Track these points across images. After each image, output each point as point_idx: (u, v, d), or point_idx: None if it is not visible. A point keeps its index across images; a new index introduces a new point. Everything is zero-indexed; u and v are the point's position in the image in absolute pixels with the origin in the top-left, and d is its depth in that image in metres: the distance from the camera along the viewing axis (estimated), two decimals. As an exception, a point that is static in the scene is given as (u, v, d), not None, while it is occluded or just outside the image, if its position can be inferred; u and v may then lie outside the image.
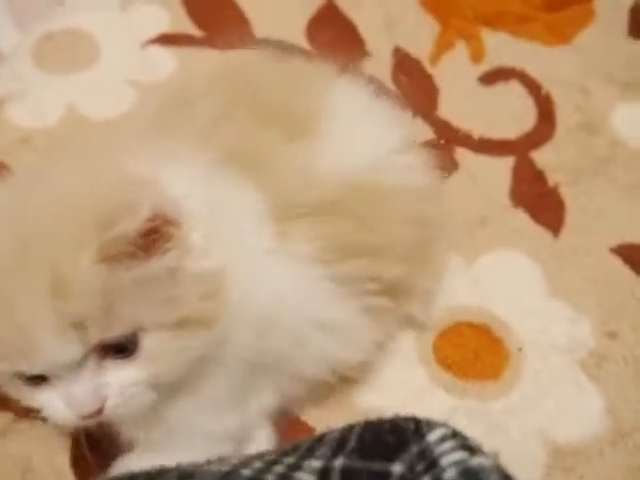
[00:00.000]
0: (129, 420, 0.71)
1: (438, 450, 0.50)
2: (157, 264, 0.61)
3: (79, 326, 0.59)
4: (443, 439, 0.51)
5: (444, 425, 0.53)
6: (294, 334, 0.75)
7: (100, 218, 0.58)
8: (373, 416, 0.82)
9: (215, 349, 0.68)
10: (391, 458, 0.50)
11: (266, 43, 1.25)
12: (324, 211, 0.76)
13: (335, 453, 0.53)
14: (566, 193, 1.10)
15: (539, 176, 1.12)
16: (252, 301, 0.69)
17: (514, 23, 1.32)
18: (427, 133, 1.16)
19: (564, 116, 1.20)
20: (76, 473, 0.82)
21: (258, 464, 0.53)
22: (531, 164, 1.14)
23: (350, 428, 0.56)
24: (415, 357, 0.93)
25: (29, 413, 0.77)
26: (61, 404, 0.64)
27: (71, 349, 0.60)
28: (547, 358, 0.94)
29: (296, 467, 0.52)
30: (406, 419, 0.54)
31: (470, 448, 0.50)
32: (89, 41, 1.24)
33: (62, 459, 0.83)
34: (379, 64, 1.25)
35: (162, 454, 0.73)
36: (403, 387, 0.91)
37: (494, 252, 1.04)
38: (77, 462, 0.83)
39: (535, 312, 0.98)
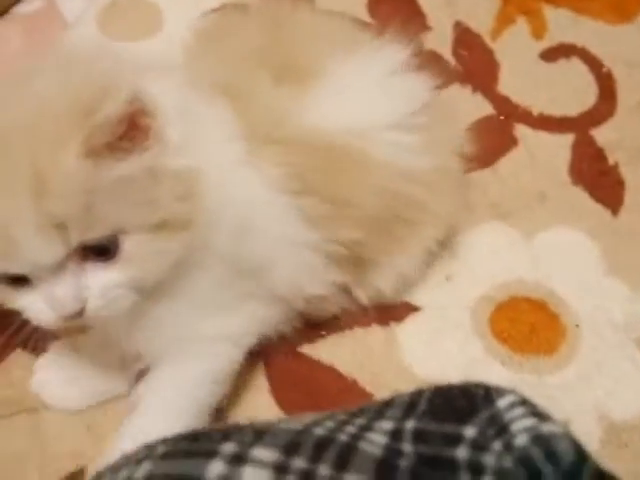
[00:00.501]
0: (118, 325, 0.73)
1: (508, 416, 0.51)
2: (137, 161, 0.62)
3: (60, 226, 0.59)
4: (512, 405, 0.52)
5: (513, 392, 0.53)
6: (265, 245, 0.76)
7: (80, 109, 0.59)
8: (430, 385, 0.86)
9: (194, 252, 0.69)
10: (463, 421, 0.51)
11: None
12: (294, 146, 0.77)
13: (405, 415, 0.54)
14: (626, 172, 1.10)
15: (599, 154, 1.12)
16: (226, 206, 0.71)
17: (577, 0, 1.31)
18: (487, 108, 1.16)
19: (625, 94, 1.19)
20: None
21: (330, 424, 0.54)
22: (591, 142, 1.13)
23: (419, 392, 0.57)
24: (471, 329, 0.94)
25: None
26: (43, 305, 0.65)
27: (52, 250, 0.61)
28: (603, 335, 0.94)
29: (367, 428, 0.53)
30: (476, 385, 0.55)
31: (540, 415, 0.50)
32: (153, 9, 1.26)
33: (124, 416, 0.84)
34: (440, 38, 1.25)
35: (175, 370, 0.77)
36: (459, 358, 0.92)
37: (553, 228, 1.04)
38: None
39: (592, 289, 0.98)
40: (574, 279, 0.99)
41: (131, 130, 0.61)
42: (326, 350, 0.90)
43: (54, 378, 0.86)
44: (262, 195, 0.74)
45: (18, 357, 0.89)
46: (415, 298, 0.96)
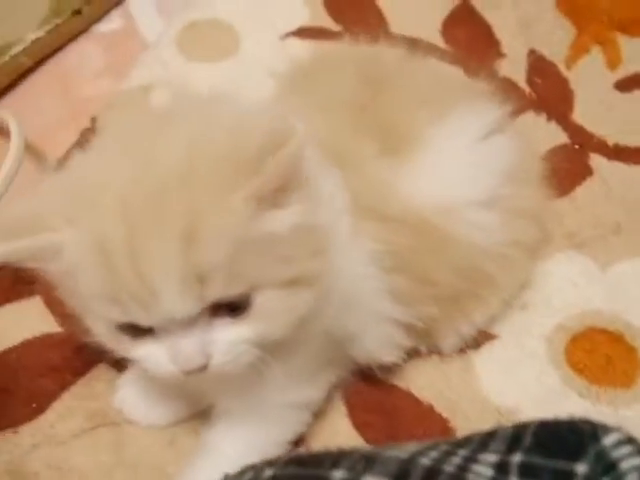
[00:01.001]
0: (224, 386, 0.73)
1: (616, 454, 0.51)
2: (290, 216, 0.61)
3: (202, 280, 0.58)
4: (619, 443, 0.52)
5: (619, 430, 0.54)
6: (359, 318, 0.77)
7: (244, 157, 0.58)
8: (506, 414, 0.86)
9: (312, 314, 0.68)
10: (574, 458, 0.52)
11: (401, 40, 1.26)
12: (391, 223, 0.77)
13: (510, 448, 0.54)
14: (703, 205, 1.09)
15: (675, 186, 1.11)
16: (337, 276, 0.70)
17: (652, 30, 1.31)
18: (561, 137, 1.16)
19: (701, 127, 1.18)
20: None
21: (434, 454, 0.54)
22: (667, 174, 1.13)
23: (524, 426, 0.57)
24: (547, 359, 0.94)
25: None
26: (165, 358, 0.63)
27: (190, 304, 0.59)
28: (681, 369, 0.93)
29: (472, 459, 0.54)
30: (582, 421, 0.55)
31: (648, 454, 0.51)
32: (230, 32, 1.28)
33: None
34: (514, 65, 1.25)
35: (246, 425, 0.78)
36: (535, 388, 0.92)
37: (629, 260, 1.03)
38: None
39: (670, 322, 0.98)
40: (650, 311, 0.98)
41: (290, 183, 0.60)
42: (403, 376, 0.91)
43: (136, 396, 0.87)
44: (361, 270, 0.74)
45: (101, 370, 0.91)
46: (492, 326, 0.95)
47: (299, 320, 0.66)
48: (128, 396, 0.87)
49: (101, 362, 0.91)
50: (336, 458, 0.54)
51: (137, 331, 0.63)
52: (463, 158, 0.84)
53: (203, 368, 0.63)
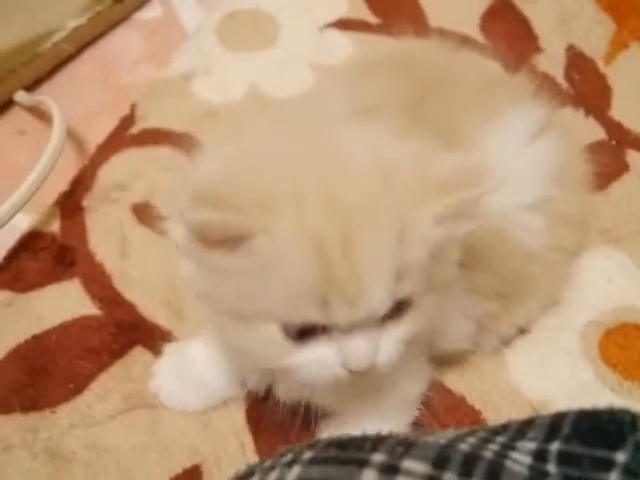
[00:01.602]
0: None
1: (655, 444, 0.52)
2: (464, 228, 0.64)
3: (400, 278, 0.60)
4: (658, 434, 0.53)
5: (657, 421, 0.54)
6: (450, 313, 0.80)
7: (447, 182, 0.62)
8: (537, 407, 0.86)
9: None
10: (613, 447, 0.52)
11: (440, 34, 1.26)
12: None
13: (549, 437, 0.55)
14: None
15: None
16: None
17: (690, 28, 1.30)
18: (599, 133, 1.16)
19: None
20: (251, 429, 0.87)
21: (473, 440, 0.55)
22: None
23: (562, 415, 0.57)
24: (580, 354, 0.94)
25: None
26: (335, 359, 0.63)
27: (388, 300, 0.61)
28: None
29: (510, 447, 0.55)
30: (622, 410, 0.56)
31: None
32: (270, 22, 1.29)
33: (239, 416, 0.88)
34: (552, 60, 1.25)
35: (354, 425, 0.77)
36: (568, 382, 0.92)
37: (665, 255, 1.03)
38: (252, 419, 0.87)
39: None
40: (684, 308, 0.98)
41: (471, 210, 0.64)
42: (436, 367, 0.91)
43: (172, 382, 0.88)
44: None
45: (138, 353, 0.92)
46: (524, 320, 0.96)
47: (435, 321, 0.70)
48: (164, 382, 0.89)
49: (138, 345, 0.92)
50: (375, 442, 0.54)
51: (307, 335, 0.63)
52: (512, 161, 0.85)
53: (371, 368, 0.64)
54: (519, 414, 0.89)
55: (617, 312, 0.97)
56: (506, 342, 0.94)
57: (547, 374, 0.93)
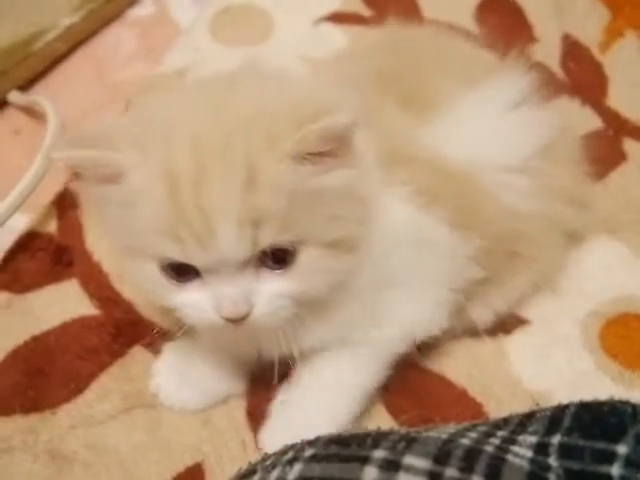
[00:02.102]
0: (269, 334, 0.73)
1: (655, 436, 0.52)
2: (337, 177, 0.64)
3: (257, 224, 0.61)
4: (659, 425, 0.53)
5: (658, 412, 0.54)
6: (409, 252, 0.78)
7: (298, 117, 0.61)
8: (538, 398, 0.86)
9: (350, 276, 0.71)
10: (615, 439, 0.52)
11: (434, 25, 1.26)
12: (417, 164, 0.78)
13: (550, 430, 0.55)
14: None
15: None
16: (379, 234, 0.73)
17: (685, 14, 1.30)
18: (596, 122, 1.16)
19: None
20: (252, 426, 0.87)
21: (474, 435, 0.55)
22: (701, 159, 1.12)
23: (563, 407, 0.57)
24: (581, 344, 0.94)
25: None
26: (209, 304, 0.65)
27: (244, 246, 0.61)
28: None
29: (511, 440, 0.55)
30: (623, 402, 0.56)
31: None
32: (263, 16, 1.29)
33: (239, 413, 0.88)
34: (547, 50, 1.25)
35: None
36: (568, 372, 0.92)
37: (663, 244, 1.03)
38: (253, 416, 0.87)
39: None
40: (685, 297, 0.98)
41: (339, 148, 0.63)
42: (436, 359, 0.91)
43: (170, 381, 0.88)
44: (398, 210, 0.75)
45: (137, 353, 0.92)
46: (524, 311, 0.96)
47: (336, 282, 0.69)
48: (163, 382, 0.89)
49: (137, 345, 0.92)
50: (377, 438, 0.54)
51: (183, 276, 0.65)
52: (491, 124, 0.86)
53: (245, 317, 0.65)
54: (520, 406, 0.88)
55: (617, 302, 0.97)
56: (504, 329, 0.94)
57: (547, 364, 0.93)
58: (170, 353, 0.90)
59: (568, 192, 0.92)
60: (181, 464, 0.84)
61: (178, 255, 0.63)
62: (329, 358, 0.81)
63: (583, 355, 0.93)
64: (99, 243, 1.01)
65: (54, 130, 1.05)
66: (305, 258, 0.65)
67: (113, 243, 0.71)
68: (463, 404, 0.89)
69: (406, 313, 0.82)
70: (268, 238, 0.62)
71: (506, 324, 0.95)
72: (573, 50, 1.24)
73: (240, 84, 0.69)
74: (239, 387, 0.88)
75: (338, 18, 1.29)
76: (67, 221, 1.03)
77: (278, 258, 0.65)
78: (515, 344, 0.94)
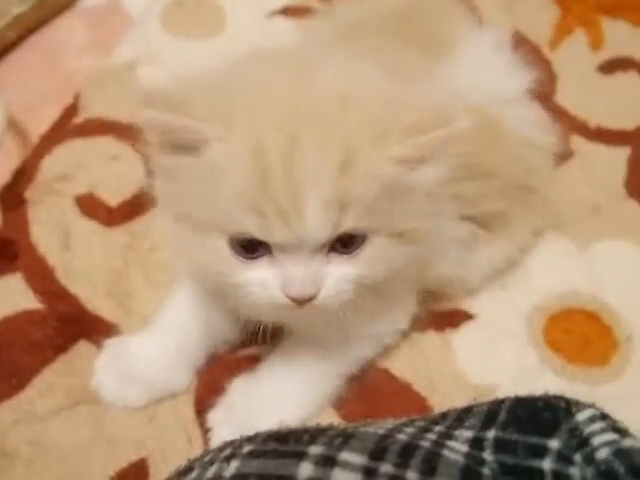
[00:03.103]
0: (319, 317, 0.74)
1: (588, 430, 0.52)
2: (427, 177, 0.65)
3: (343, 208, 0.60)
4: (592, 419, 0.53)
5: (592, 406, 0.55)
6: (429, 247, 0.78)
7: (414, 124, 0.62)
8: (483, 392, 0.87)
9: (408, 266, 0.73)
10: (547, 434, 0.53)
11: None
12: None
13: (485, 425, 0.56)
14: (682, 187, 1.10)
15: (655, 168, 1.12)
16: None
17: (634, 12, 1.31)
18: (545, 121, 1.16)
19: (683, 109, 1.19)
20: (199, 422, 0.86)
21: (411, 430, 0.55)
22: (647, 155, 1.14)
23: (499, 402, 0.58)
24: (525, 339, 0.95)
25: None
26: (276, 283, 0.65)
27: (328, 228, 0.61)
28: (655, 348, 0.95)
29: (447, 435, 0.55)
30: (557, 397, 0.56)
31: (620, 430, 0.52)
32: (216, 9, 1.28)
33: (186, 408, 0.87)
34: (499, 46, 1.25)
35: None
36: (512, 367, 0.93)
37: (607, 240, 1.05)
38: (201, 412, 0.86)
39: (645, 302, 0.99)
40: (626, 291, 1.00)
41: (440, 151, 0.64)
42: (381, 355, 0.91)
43: (111, 378, 0.87)
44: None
45: (82, 347, 0.91)
46: (470, 305, 0.97)
47: (395, 270, 0.70)
48: (104, 379, 0.87)
49: (82, 338, 0.91)
50: (314, 434, 0.55)
51: (252, 253, 0.65)
52: (491, 62, 0.95)
53: (311, 299, 0.65)
54: (465, 399, 0.88)
55: (562, 297, 0.99)
56: (450, 323, 0.96)
57: (492, 358, 0.94)
58: (111, 349, 0.89)
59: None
60: (124, 460, 0.83)
61: (258, 231, 0.62)
62: (311, 343, 0.83)
63: (527, 349, 0.94)
64: (44, 237, 0.99)
65: (0, 121, 1.04)
66: (373, 245, 0.65)
67: (176, 216, 0.68)
68: (407, 398, 0.89)
69: (406, 305, 0.86)
70: (350, 223, 0.62)
71: (453, 318, 0.96)
72: (523, 47, 1.24)
73: (328, 63, 0.69)
74: (184, 381, 0.87)
75: (291, 11, 1.28)
76: (12, 214, 1.01)
77: (347, 242, 0.65)
78: (461, 338, 0.95)
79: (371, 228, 0.64)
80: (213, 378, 0.88)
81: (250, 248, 0.64)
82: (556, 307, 0.98)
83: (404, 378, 0.91)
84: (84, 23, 1.27)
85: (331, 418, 0.85)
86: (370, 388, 0.89)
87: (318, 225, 0.60)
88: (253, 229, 0.61)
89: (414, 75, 0.83)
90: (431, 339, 0.94)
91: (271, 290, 0.65)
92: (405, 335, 0.92)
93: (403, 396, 0.90)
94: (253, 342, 0.85)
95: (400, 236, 0.67)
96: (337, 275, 0.65)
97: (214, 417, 0.84)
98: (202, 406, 0.87)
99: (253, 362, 0.88)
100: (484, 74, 0.92)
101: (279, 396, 0.83)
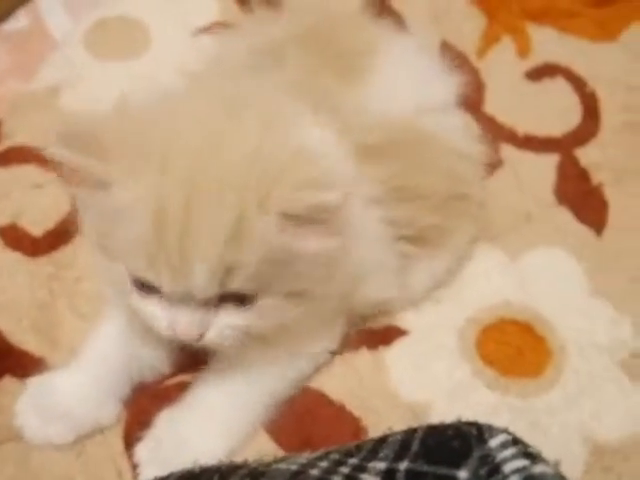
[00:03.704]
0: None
1: (500, 456, 0.52)
2: (315, 244, 0.67)
3: (229, 272, 0.64)
4: (504, 445, 0.53)
5: (505, 431, 0.54)
6: (353, 275, 0.82)
7: (295, 180, 0.63)
8: (417, 409, 0.87)
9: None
10: (457, 464, 0.52)
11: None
12: (383, 153, 0.82)
13: (399, 456, 0.55)
14: (610, 192, 1.11)
15: (583, 174, 1.13)
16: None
17: (561, 18, 1.33)
18: (473, 128, 1.17)
19: (609, 114, 1.21)
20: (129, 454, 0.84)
21: (324, 464, 0.55)
22: (575, 162, 1.15)
23: (412, 431, 0.57)
24: (458, 352, 0.95)
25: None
26: (165, 320, 0.70)
27: (212, 289, 0.65)
28: (588, 357, 0.95)
29: (361, 468, 0.54)
30: (468, 424, 0.56)
31: (531, 455, 0.51)
32: (140, 29, 1.27)
33: (116, 441, 0.85)
34: (427, 56, 1.25)
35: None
36: (445, 382, 0.92)
37: (538, 249, 1.05)
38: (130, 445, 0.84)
39: (577, 311, 0.99)
40: (559, 300, 1.00)
41: (327, 218, 0.66)
42: (314, 375, 0.90)
43: (33, 418, 0.84)
44: (362, 217, 0.79)
45: (7, 383, 0.89)
46: (403, 321, 0.96)
47: (286, 322, 0.74)
48: (26, 420, 0.85)
49: (6, 374, 0.89)
50: (225, 475, 0.53)
51: (147, 288, 0.69)
52: (415, 70, 0.95)
53: (198, 339, 0.70)
54: (399, 418, 0.89)
55: (494, 308, 0.99)
56: (382, 340, 0.95)
57: (425, 374, 0.93)
58: (34, 387, 0.86)
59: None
60: (53, 498, 0.81)
61: (149, 277, 0.66)
62: (238, 367, 0.82)
63: (460, 363, 0.94)
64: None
65: None
66: (263, 303, 0.69)
67: (88, 236, 0.74)
68: (341, 419, 0.88)
69: (333, 325, 0.87)
70: (236, 285, 0.65)
71: (385, 335, 0.95)
72: (451, 56, 1.25)
73: (245, 115, 0.70)
74: (111, 414, 0.85)
75: (217, 29, 1.27)
76: None
77: (238, 296, 0.68)
78: (394, 356, 0.94)
79: (259, 289, 0.68)
80: (141, 409, 0.86)
81: (145, 285, 0.68)
82: (488, 319, 0.97)
83: (338, 399, 0.90)
84: (5, 47, 1.25)
85: (268, 446, 0.84)
86: (304, 410, 0.88)
87: (203, 284, 0.65)
88: (145, 275, 0.66)
89: (333, 98, 0.84)
90: (364, 357, 0.93)
91: (161, 325, 0.70)
92: (337, 354, 0.91)
93: (337, 417, 0.89)
94: (184, 369, 0.86)
95: (292, 295, 0.70)
96: (222, 323, 0.70)
97: (140, 452, 0.82)
98: (130, 439, 0.85)
99: (183, 390, 0.87)
100: (409, 83, 0.92)
101: (206, 426, 0.81)
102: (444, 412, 0.85)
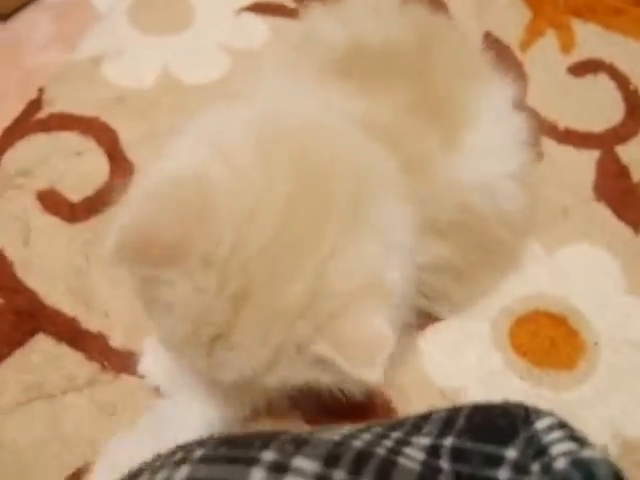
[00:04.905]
0: None
1: (547, 439, 0.51)
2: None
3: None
4: (551, 428, 0.52)
5: (551, 414, 0.54)
6: None
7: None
8: (449, 395, 0.86)
9: None
10: (504, 442, 0.52)
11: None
12: (445, 231, 0.80)
13: (443, 432, 0.54)
14: (650, 191, 1.10)
15: (623, 171, 1.12)
16: None
17: (605, 15, 1.31)
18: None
19: (651, 112, 1.19)
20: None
21: (367, 436, 0.54)
22: (616, 159, 1.13)
23: (457, 409, 0.57)
24: (491, 341, 0.94)
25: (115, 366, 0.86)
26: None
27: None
28: (621, 353, 0.94)
29: (404, 442, 0.54)
30: (516, 405, 0.55)
31: (579, 439, 0.51)
32: (184, 4, 1.26)
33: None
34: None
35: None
36: (477, 370, 0.92)
37: (575, 243, 1.04)
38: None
39: (612, 307, 0.98)
40: (595, 295, 0.99)
41: None
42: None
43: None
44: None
45: (38, 342, 0.89)
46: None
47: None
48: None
49: (39, 332, 0.90)
50: (266, 440, 0.53)
51: None
52: (497, 127, 0.88)
53: None
54: (430, 402, 0.88)
55: (528, 300, 0.98)
56: (418, 325, 0.92)
57: (457, 362, 0.93)
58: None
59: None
60: (82, 459, 0.82)
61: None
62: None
63: (493, 353, 0.93)
64: (4, 231, 0.98)
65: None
66: None
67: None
68: (372, 400, 0.88)
69: None
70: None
71: (419, 321, 0.94)
72: (494, 48, 1.24)
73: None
74: None
75: (260, 8, 1.27)
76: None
77: None
78: (427, 341, 0.94)
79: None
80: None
81: None
82: (522, 310, 0.97)
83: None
84: (49, 17, 1.25)
85: (294, 420, 0.85)
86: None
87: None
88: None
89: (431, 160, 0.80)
90: (397, 342, 0.92)
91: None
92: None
93: (368, 398, 0.88)
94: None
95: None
96: None
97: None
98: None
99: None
100: (493, 153, 0.87)
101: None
102: (475, 399, 0.84)
